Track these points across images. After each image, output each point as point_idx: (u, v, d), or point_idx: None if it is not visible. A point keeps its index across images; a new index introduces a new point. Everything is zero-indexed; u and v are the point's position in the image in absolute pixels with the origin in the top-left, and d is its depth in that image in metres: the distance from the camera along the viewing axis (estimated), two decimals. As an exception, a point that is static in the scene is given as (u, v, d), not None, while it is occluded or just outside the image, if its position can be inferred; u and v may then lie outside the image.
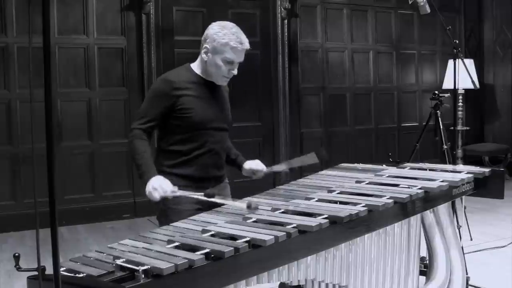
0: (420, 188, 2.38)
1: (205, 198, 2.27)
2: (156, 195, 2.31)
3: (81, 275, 1.52)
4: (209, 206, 2.33)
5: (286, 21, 6.49)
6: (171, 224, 2.06)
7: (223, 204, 2.29)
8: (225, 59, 2.46)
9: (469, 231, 4.60)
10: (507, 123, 7.77)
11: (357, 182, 2.58)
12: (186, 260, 1.54)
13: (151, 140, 2.50)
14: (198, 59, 2.56)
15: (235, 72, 2.53)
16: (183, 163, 2.50)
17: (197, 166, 2.51)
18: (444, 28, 3.66)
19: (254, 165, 2.74)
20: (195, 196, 2.33)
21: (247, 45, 2.48)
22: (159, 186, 2.31)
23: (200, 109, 2.48)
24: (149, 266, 1.49)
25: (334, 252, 1.98)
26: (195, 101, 2.48)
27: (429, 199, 2.41)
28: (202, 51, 2.51)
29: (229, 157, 2.74)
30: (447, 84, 6.75)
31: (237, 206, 2.19)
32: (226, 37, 2.44)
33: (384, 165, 3.03)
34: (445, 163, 4.06)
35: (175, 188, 2.33)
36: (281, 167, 2.82)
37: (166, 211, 2.47)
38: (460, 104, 6.50)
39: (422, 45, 7.60)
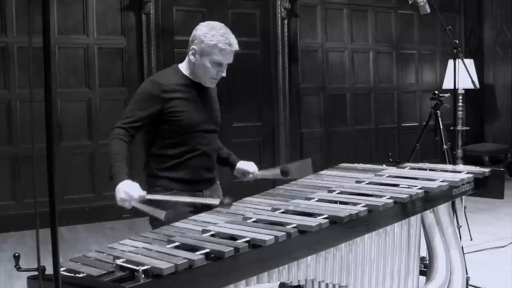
0: (420, 188, 2.38)
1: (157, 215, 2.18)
2: (127, 205, 2.24)
3: (81, 275, 1.52)
4: (202, 208, 2.32)
5: (286, 21, 6.48)
6: (171, 224, 2.05)
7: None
8: (213, 61, 2.40)
9: (469, 231, 4.60)
10: (507, 123, 7.76)
11: (357, 182, 2.58)
12: (186, 260, 1.54)
13: (132, 141, 2.41)
14: (186, 59, 2.50)
15: (224, 74, 2.48)
16: (174, 166, 2.46)
17: (189, 169, 2.47)
18: (444, 28, 3.66)
19: (247, 166, 2.69)
20: (155, 214, 2.22)
21: (235, 47, 2.42)
22: (128, 195, 2.22)
23: (190, 112, 2.43)
24: (149, 266, 1.49)
25: (334, 252, 1.98)
26: (184, 104, 2.43)
27: (429, 199, 2.41)
28: (190, 52, 2.45)
29: (220, 156, 2.68)
30: (447, 84, 6.74)
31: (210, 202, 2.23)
32: (214, 39, 2.38)
33: (384, 165, 3.03)
34: (445, 163, 4.06)
35: (144, 193, 2.25)
36: (270, 173, 2.72)
37: None
38: (460, 104, 6.49)
39: (422, 45, 7.59)
